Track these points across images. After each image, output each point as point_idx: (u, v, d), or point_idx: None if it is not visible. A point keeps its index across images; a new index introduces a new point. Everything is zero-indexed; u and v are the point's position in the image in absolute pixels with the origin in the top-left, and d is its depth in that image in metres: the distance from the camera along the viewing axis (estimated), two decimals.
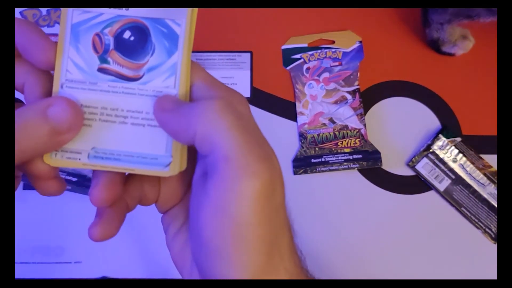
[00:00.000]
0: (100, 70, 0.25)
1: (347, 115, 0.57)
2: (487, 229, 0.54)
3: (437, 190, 0.55)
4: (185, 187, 0.28)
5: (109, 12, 0.25)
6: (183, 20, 0.25)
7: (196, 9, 0.25)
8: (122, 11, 0.25)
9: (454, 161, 0.55)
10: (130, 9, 0.25)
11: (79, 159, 0.25)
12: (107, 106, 0.25)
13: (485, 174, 0.55)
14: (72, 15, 0.25)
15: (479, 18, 0.52)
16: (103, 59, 0.25)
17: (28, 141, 0.22)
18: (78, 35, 0.25)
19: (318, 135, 0.57)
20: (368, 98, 0.59)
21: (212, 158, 0.22)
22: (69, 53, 0.25)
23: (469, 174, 0.55)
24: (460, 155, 0.55)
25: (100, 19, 0.25)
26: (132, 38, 0.25)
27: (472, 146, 0.56)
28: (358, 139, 0.56)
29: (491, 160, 0.56)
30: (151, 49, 0.25)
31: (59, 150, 0.25)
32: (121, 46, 0.25)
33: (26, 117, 0.22)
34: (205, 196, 0.22)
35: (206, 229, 0.22)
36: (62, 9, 0.25)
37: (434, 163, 0.55)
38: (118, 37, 0.25)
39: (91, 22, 0.25)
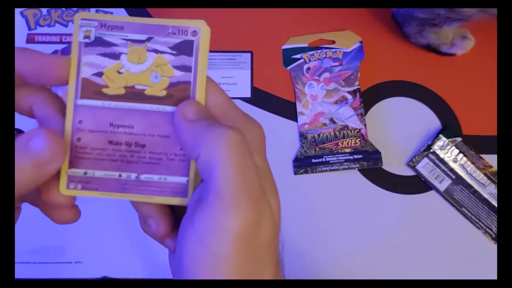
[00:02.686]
0: None
1: (347, 115, 0.57)
2: (487, 229, 0.54)
3: (438, 190, 0.55)
4: None
5: None
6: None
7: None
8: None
9: (455, 161, 0.55)
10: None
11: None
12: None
13: (485, 174, 0.55)
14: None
15: (444, 25, 0.53)
16: None
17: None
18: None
19: (319, 135, 0.57)
20: (369, 98, 0.59)
21: (206, 188, 0.23)
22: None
23: (470, 174, 0.55)
24: (461, 155, 0.55)
25: None
26: None
27: (473, 146, 0.56)
28: (359, 139, 0.56)
29: (492, 160, 0.55)
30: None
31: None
32: None
33: None
34: (191, 223, 0.23)
35: (186, 254, 0.23)
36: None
37: (434, 163, 0.55)
38: None
39: None
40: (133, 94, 0.26)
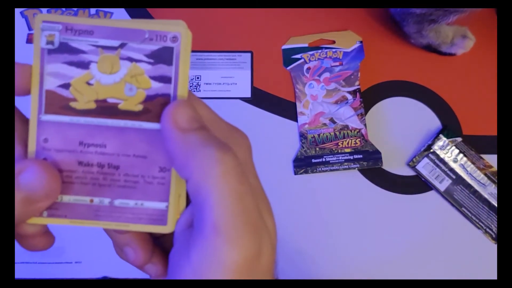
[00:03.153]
0: None
1: (347, 115, 0.57)
2: (487, 229, 0.54)
3: (438, 190, 0.55)
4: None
5: None
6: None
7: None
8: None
9: (455, 161, 0.55)
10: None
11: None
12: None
13: (485, 174, 0.55)
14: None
15: (442, 19, 0.53)
16: None
17: None
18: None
19: (319, 135, 0.57)
20: (369, 98, 0.59)
21: (199, 217, 0.20)
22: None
23: (470, 174, 0.55)
24: (461, 155, 0.55)
25: None
26: None
27: (473, 146, 0.56)
28: (359, 139, 0.56)
29: (492, 160, 0.55)
30: None
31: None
32: None
33: None
34: (186, 259, 0.21)
35: None
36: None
37: (434, 163, 0.55)
38: None
39: None
40: (105, 109, 0.23)
